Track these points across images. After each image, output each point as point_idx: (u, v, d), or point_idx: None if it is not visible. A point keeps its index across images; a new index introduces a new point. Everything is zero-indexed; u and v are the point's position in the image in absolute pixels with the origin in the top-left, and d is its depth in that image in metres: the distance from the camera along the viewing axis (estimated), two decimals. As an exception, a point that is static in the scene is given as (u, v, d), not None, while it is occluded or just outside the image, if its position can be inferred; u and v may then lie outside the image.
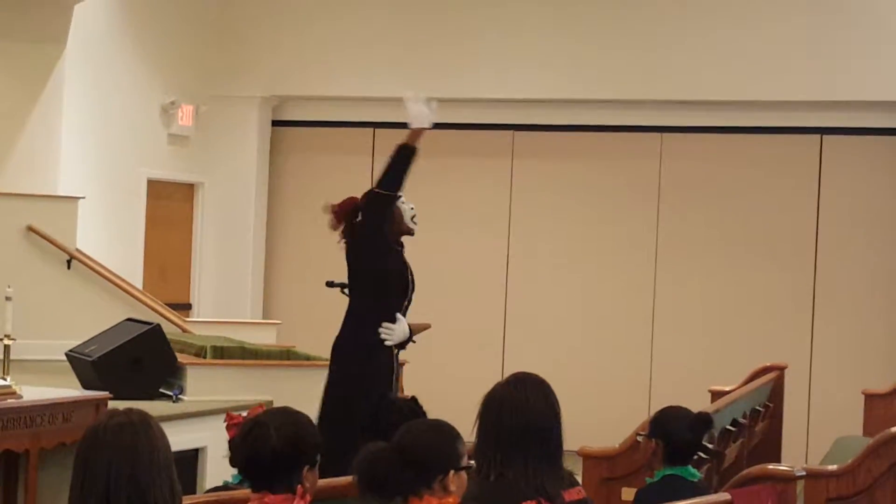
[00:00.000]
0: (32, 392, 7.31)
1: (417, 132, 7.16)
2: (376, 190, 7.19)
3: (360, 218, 7.36)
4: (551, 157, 14.42)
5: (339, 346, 7.43)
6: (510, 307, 14.43)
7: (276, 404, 7.87)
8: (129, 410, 3.55)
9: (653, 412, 5.97)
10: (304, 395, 8.60)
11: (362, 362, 7.26)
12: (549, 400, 4.36)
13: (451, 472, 4.02)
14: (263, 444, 3.96)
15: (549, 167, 14.42)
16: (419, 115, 7.12)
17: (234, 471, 4.45)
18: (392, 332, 7.39)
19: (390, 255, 7.52)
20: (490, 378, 4.48)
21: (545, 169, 14.43)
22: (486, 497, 4.13)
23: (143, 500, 3.39)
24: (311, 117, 15.01)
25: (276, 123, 15.09)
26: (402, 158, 7.18)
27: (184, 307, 13.84)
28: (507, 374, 4.61)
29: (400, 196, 7.34)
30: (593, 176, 14.29)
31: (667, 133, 14.10)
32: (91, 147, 12.97)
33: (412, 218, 7.50)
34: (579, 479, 4.73)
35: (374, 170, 14.76)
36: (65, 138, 12.40)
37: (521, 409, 4.28)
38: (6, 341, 7.44)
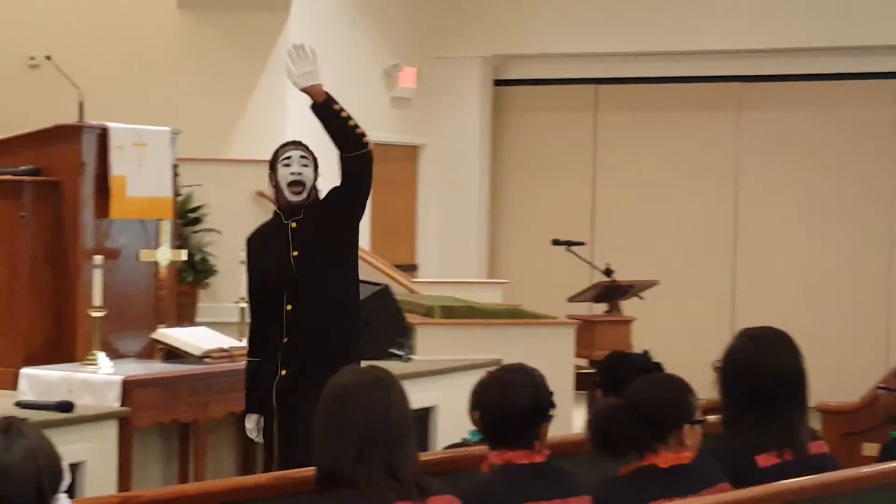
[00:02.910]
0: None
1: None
2: None
3: None
4: (780, 108, 14.11)
5: None
6: (739, 261, 14.19)
7: (506, 363, 7.89)
8: (375, 368, 3.56)
9: (892, 365, 5.79)
10: (533, 353, 8.57)
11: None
12: (790, 355, 4.29)
13: (686, 425, 3.97)
14: (516, 403, 3.91)
15: (778, 118, 14.12)
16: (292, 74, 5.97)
17: (467, 429, 4.45)
18: None
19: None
20: (720, 332, 4.42)
21: (774, 120, 14.13)
22: (722, 450, 4.09)
23: (393, 457, 3.40)
24: (532, 75, 14.96)
25: (497, 83, 15.09)
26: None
27: (410, 268, 13.96)
28: (737, 329, 4.54)
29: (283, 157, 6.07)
30: (823, 126, 13.94)
31: (896, 80, 13.70)
32: (316, 112, 13.14)
33: (289, 184, 6.03)
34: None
35: (596, 126, 14.67)
36: (290, 105, 12.58)
37: (759, 365, 4.22)
38: (242, 304, 7.59)
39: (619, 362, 5.07)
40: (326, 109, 5.92)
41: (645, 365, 4.94)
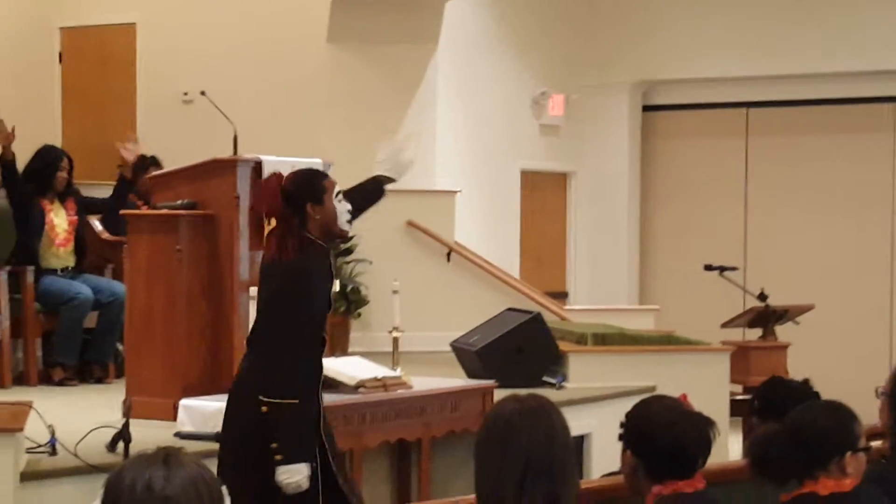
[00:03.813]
0: (421, 382, 7.49)
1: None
2: None
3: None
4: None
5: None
6: (897, 285, 13.93)
7: (659, 390, 7.83)
8: (536, 396, 3.54)
9: None
10: (687, 379, 8.51)
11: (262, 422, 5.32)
12: None
13: (848, 453, 3.89)
14: (685, 440, 3.81)
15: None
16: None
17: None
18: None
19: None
20: (878, 357, 4.34)
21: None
22: (888, 475, 4.01)
23: (555, 485, 3.38)
24: (682, 100, 14.87)
25: (646, 108, 15.02)
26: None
27: (560, 296, 13.93)
28: (895, 353, 4.46)
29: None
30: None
31: None
32: (465, 141, 13.20)
33: (348, 221, 5.62)
34: None
35: (748, 150, 14.51)
36: (440, 134, 12.65)
37: None
38: (395, 333, 7.63)
39: (778, 389, 5.00)
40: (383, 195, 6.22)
41: (804, 391, 4.86)
